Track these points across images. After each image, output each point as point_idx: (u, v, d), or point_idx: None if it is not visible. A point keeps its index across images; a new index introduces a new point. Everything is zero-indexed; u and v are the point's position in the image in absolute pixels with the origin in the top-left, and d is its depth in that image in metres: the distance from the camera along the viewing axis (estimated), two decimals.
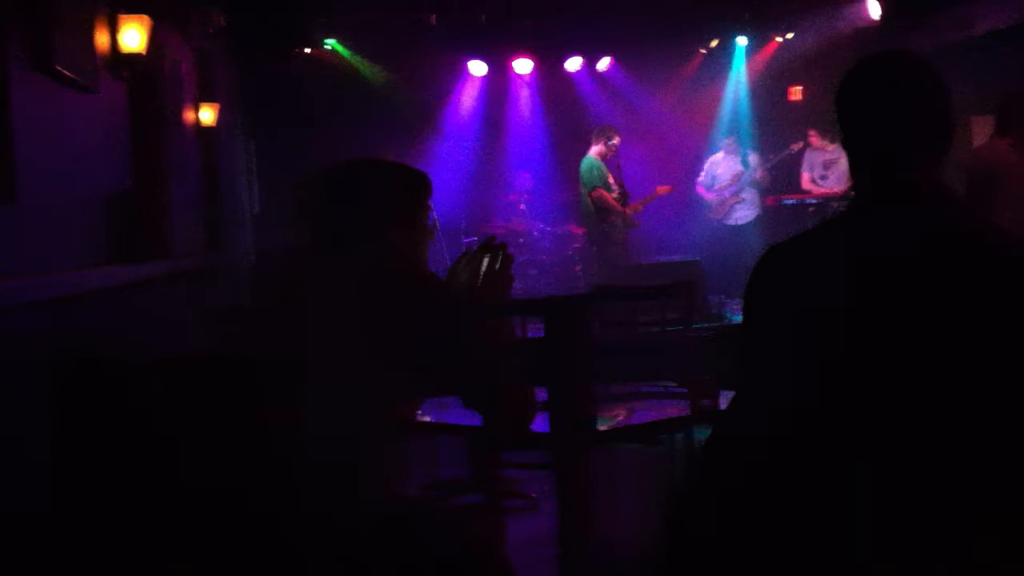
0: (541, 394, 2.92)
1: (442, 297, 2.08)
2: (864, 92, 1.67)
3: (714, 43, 9.57)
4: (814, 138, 8.51)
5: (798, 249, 1.69)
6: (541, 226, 9.06)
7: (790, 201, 8.47)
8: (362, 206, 2.08)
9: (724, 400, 3.38)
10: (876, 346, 1.52)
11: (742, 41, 9.57)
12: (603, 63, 9.78)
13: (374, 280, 1.98)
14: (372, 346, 1.92)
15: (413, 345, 1.95)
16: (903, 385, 1.50)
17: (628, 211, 7.87)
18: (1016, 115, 5.08)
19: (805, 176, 8.60)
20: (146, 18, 4.09)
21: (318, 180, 2.13)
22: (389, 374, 1.95)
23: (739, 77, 9.82)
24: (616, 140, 7.89)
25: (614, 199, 7.80)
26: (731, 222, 8.79)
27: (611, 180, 7.89)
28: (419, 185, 2.18)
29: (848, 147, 1.70)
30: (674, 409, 3.76)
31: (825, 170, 8.52)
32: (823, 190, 8.43)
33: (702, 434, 3.41)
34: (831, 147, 8.42)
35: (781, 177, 8.84)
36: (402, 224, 2.11)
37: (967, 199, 5.00)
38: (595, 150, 7.93)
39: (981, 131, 7.06)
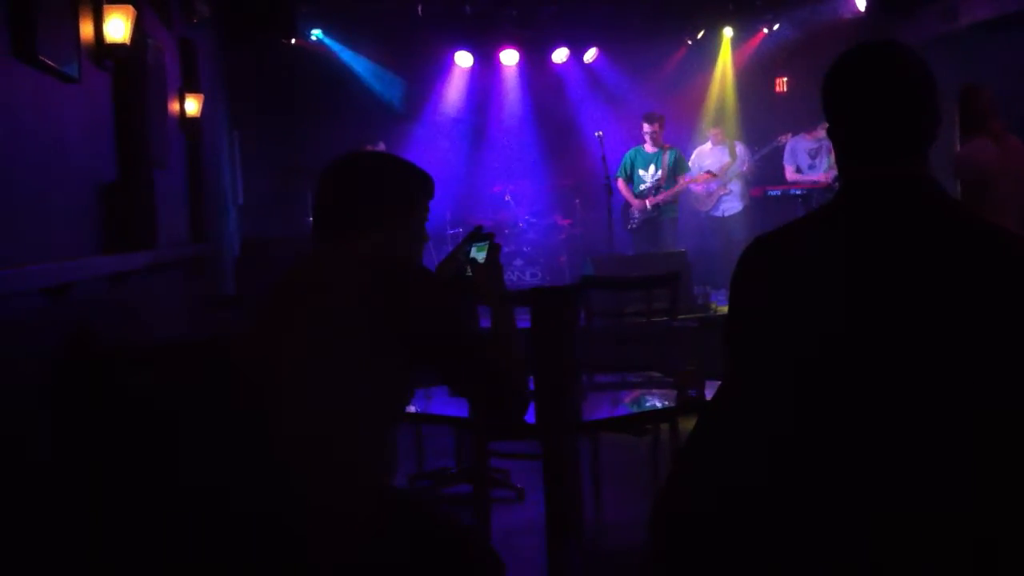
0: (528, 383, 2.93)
1: (440, 286, 2.07)
2: (859, 81, 1.64)
3: (700, 34, 9.58)
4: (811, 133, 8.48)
5: (786, 240, 1.67)
6: (527, 217, 9.06)
7: (775, 192, 8.48)
8: (363, 198, 2.08)
9: (710, 391, 3.39)
10: (873, 338, 1.50)
11: (728, 32, 9.58)
12: (589, 54, 9.76)
13: (373, 269, 1.97)
14: (369, 336, 1.91)
15: (412, 334, 1.95)
16: (899, 377, 1.48)
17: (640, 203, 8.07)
18: (980, 108, 5.06)
19: (788, 169, 8.59)
20: (130, 8, 4.06)
21: (323, 172, 2.14)
22: (388, 364, 1.94)
23: (725, 68, 9.83)
24: (644, 127, 8.06)
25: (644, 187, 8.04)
26: (718, 214, 8.80)
27: (640, 170, 8.09)
28: (421, 184, 2.17)
29: (837, 136, 1.67)
30: (660, 399, 3.78)
31: (812, 158, 8.50)
32: (809, 181, 8.41)
33: (688, 425, 3.43)
34: (812, 136, 8.41)
35: (767, 168, 8.86)
36: (400, 221, 2.11)
37: (963, 201, 5.00)
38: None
39: None
